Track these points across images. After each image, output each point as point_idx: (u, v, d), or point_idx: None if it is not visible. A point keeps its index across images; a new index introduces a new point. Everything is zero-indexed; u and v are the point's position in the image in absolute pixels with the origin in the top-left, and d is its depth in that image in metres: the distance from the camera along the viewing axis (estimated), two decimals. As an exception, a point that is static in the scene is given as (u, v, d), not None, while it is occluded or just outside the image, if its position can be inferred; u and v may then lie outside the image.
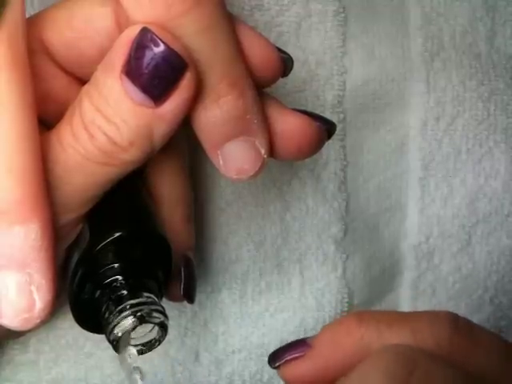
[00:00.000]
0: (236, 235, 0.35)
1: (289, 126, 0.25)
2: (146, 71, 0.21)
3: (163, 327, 0.25)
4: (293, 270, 0.36)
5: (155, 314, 0.24)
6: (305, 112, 0.26)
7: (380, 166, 0.38)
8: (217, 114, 0.23)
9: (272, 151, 0.25)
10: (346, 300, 0.37)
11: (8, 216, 0.21)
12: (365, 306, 0.38)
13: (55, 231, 0.23)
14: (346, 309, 0.37)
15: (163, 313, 0.25)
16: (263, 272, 0.36)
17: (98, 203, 0.25)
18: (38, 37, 0.24)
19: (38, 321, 0.22)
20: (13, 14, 0.21)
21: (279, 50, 0.25)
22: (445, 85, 0.37)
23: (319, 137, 0.26)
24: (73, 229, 0.25)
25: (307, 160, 0.35)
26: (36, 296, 0.22)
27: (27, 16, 0.23)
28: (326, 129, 0.26)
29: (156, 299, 0.25)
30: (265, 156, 0.25)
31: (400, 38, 0.37)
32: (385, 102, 0.37)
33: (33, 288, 0.22)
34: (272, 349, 0.36)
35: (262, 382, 0.37)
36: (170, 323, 0.35)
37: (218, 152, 0.24)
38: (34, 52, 0.24)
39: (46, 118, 0.24)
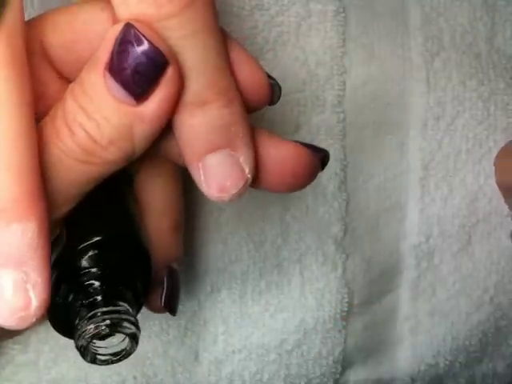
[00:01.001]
0: (236, 235, 0.35)
1: (283, 153, 0.24)
2: (128, 67, 0.21)
3: (134, 339, 0.24)
4: (293, 270, 0.36)
5: (126, 324, 0.23)
6: (296, 141, 0.25)
7: (380, 166, 0.38)
8: (200, 120, 0.22)
9: (265, 181, 0.24)
10: (346, 300, 0.37)
11: (5, 214, 0.21)
12: (365, 306, 0.38)
13: (50, 229, 0.22)
14: (345, 309, 0.37)
15: (135, 324, 0.23)
16: (263, 272, 0.36)
17: (80, 205, 0.24)
18: (37, 38, 0.24)
19: (34, 319, 0.22)
20: (12, 13, 0.21)
21: (268, 75, 0.24)
22: (445, 85, 0.37)
23: (314, 164, 0.25)
24: (53, 228, 0.24)
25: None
26: (32, 294, 0.22)
27: (27, 16, 0.23)
28: (320, 157, 0.25)
29: (130, 309, 0.24)
30: (249, 175, 0.23)
31: (400, 38, 0.37)
32: (385, 102, 0.37)
33: (29, 286, 0.22)
34: (272, 349, 0.37)
35: (262, 381, 0.37)
36: (170, 323, 0.35)
37: (200, 165, 0.23)
38: (32, 53, 0.24)
39: (37, 119, 0.24)
